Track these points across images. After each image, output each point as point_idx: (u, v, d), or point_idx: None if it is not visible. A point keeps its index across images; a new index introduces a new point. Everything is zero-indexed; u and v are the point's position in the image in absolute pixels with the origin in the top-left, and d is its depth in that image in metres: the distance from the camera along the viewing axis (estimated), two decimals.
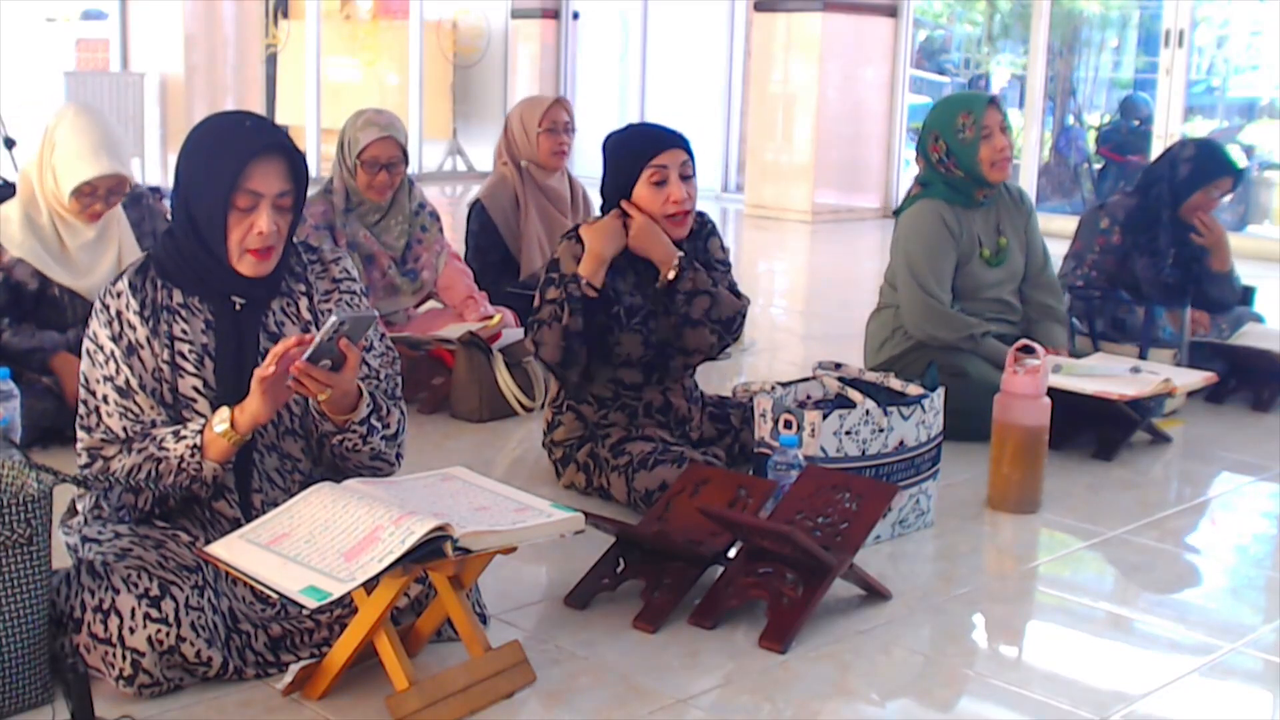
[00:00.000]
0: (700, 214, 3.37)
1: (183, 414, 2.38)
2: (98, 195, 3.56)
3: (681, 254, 3.25)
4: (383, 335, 2.56)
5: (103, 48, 11.96)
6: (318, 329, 2.46)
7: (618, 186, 3.27)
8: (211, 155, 2.34)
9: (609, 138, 3.35)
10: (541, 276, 3.29)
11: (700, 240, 3.38)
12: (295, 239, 2.48)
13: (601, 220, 3.27)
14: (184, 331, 2.39)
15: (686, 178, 3.24)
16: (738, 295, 3.36)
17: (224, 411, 2.29)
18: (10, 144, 6.98)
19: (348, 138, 4.21)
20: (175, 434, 2.32)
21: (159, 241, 2.46)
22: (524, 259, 4.70)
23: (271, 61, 12.26)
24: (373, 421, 2.41)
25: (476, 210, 4.73)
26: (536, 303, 3.25)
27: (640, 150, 3.24)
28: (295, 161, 2.37)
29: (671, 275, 3.23)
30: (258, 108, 11.55)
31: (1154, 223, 4.52)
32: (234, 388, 2.34)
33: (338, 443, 2.40)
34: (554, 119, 4.72)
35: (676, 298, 3.25)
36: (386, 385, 2.52)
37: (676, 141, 3.25)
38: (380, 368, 2.52)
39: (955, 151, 3.92)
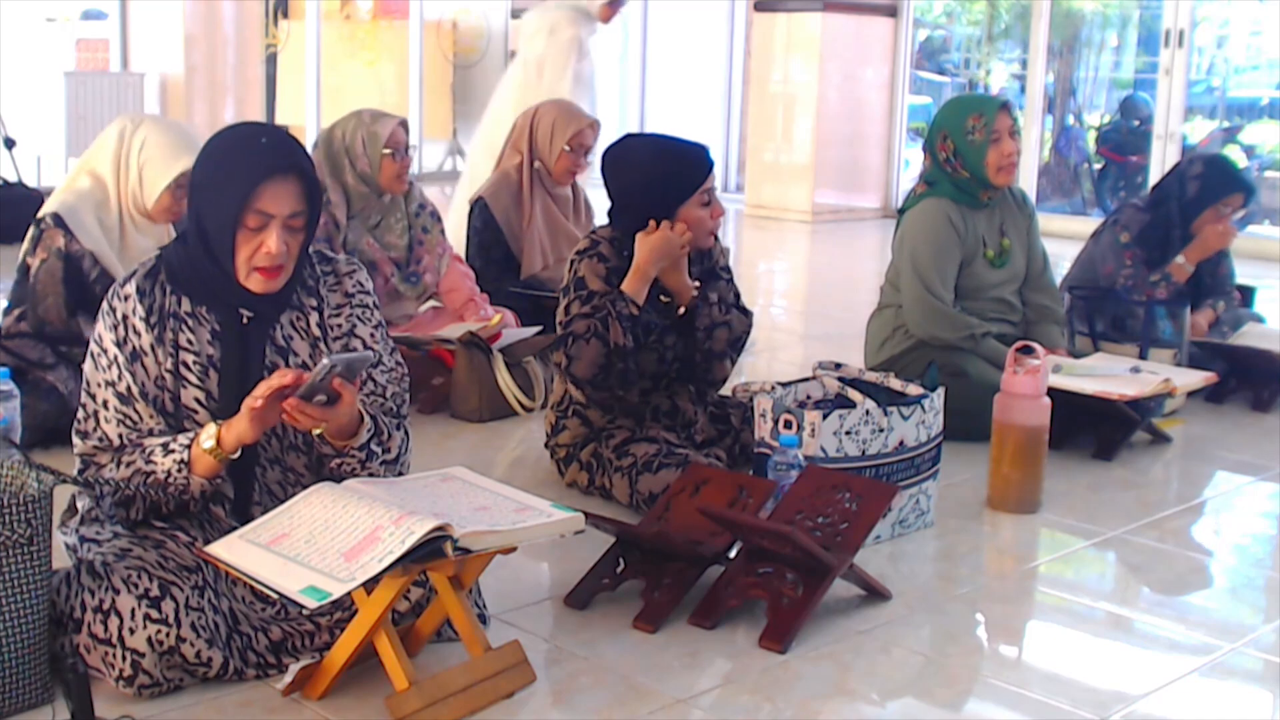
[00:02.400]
0: None
1: (183, 424, 2.36)
2: (185, 187, 3.64)
3: (696, 286, 3.30)
4: (393, 350, 2.53)
5: (103, 48, 11.94)
6: (327, 344, 2.45)
7: (662, 206, 3.23)
8: (224, 172, 2.32)
9: (632, 156, 3.31)
10: (567, 295, 3.25)
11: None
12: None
13: (655, 236, 3.21)
14: (189, 341, 2.37)
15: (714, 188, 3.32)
16: (744, 311, 3.42)
17: (211, 428, 2.28)
18: (10, 144, 6.98)
19: (361, 136, 4.20)
20: (164, 447, 2.30)
21: (171, 246, 2.45)
22: (525, 259, 4.69)
23: (271, 61, 12.24)
24: (372, 447, 2.39)
25: (479, 207, 4.72)
26: (563, 317, 3.23)
27: (694, 176, 3.24)
28: (309, 182, 2.34)
29: (681, 311, 3.29)
30: (258, 108, 11.54)
31: (1165, 240, 4.51)
32: (236, 401, 2.32)
33: (336, 466, 2.38)
34: (582, 141, 4.68)
35: (698, 333, 3.30)
36: (392, 404, 2.50)
37: (710, 157, 3.31)
38: (387, 384, 2.49)
39: (963, 153, 3.92)
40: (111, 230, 3.67)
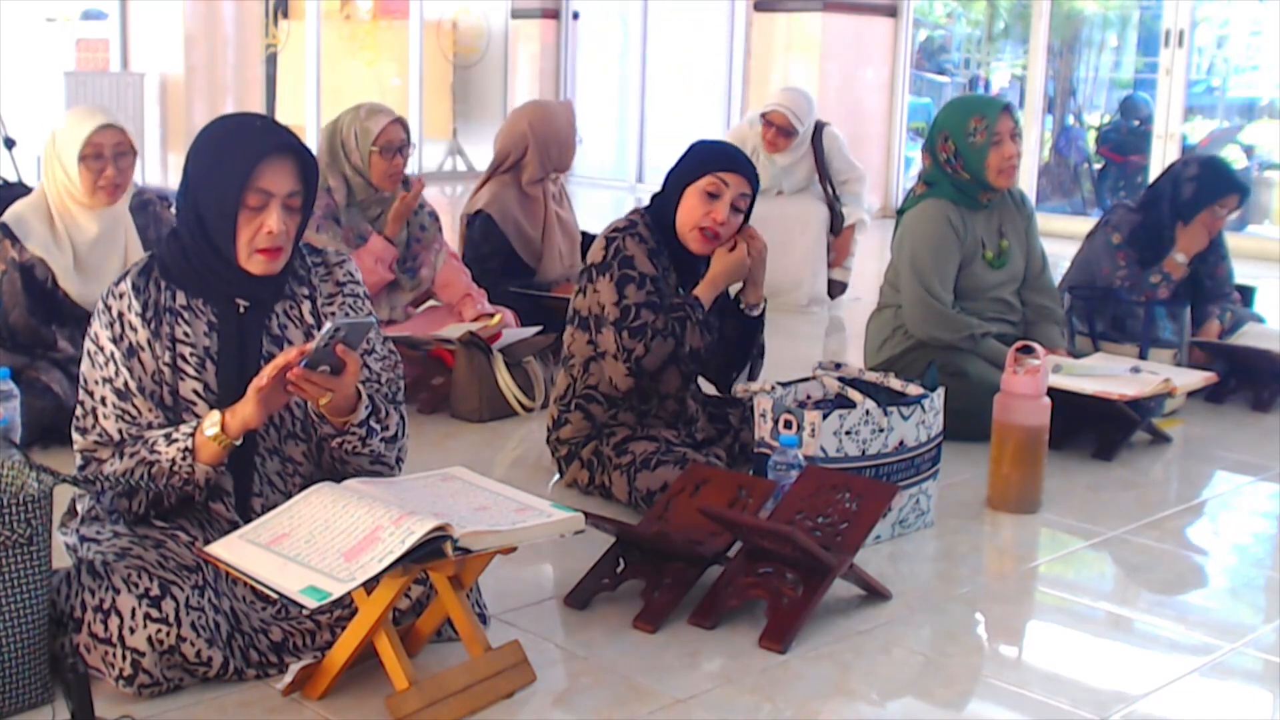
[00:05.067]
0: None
1: (182, 417, 2.37)
2: (105, 158, 3.58)
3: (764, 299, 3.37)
4: (385, 339, 2.55)
5: (103, 48, 11.95)
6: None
7: (673, 187, 3.25)
8: (222, 154, 2.33)
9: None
10: (609, 271, 3.22)
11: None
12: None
13: (732, 255, 3.24)
14: (186, 334, 2.38)
15: (738, 209, 3.23)
16: None
17: (214, 415, 2.28)
18: (10, 144, 6.97)
19: (354, 130, 4.20)
20: (167, 437, 2.31)
21: (163, 242, 2.46)
22: (543, 267, 4.72)
23: (271, 61, 12.26)
24: (371, 424, 2.40)
25: (481, 219, 4.66)
26: (614, 297, 3.18)
27: (705, 160, 3.24)
28: (305, 163, 2.36)
29: (756, 313, 3.35)
30: (258, 108, 11.54)
31: (1157, 241, 4.49)
32: (235, 391, 2.33)
33: (337, 445, 2.39)
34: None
35: (761, 328, 3.39)
36: (387, 389, 2.51)
37: (749, 171, 3.23)
38: (381, 371, 2.51)
39: (964, 154, 3.91)
40: (61, 238, 3.63)
